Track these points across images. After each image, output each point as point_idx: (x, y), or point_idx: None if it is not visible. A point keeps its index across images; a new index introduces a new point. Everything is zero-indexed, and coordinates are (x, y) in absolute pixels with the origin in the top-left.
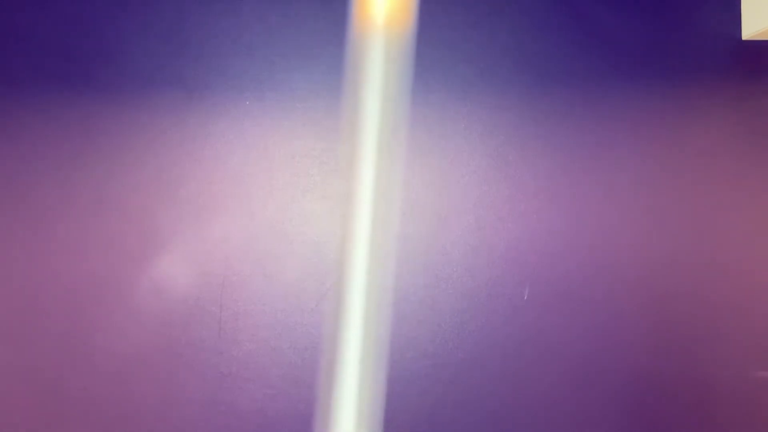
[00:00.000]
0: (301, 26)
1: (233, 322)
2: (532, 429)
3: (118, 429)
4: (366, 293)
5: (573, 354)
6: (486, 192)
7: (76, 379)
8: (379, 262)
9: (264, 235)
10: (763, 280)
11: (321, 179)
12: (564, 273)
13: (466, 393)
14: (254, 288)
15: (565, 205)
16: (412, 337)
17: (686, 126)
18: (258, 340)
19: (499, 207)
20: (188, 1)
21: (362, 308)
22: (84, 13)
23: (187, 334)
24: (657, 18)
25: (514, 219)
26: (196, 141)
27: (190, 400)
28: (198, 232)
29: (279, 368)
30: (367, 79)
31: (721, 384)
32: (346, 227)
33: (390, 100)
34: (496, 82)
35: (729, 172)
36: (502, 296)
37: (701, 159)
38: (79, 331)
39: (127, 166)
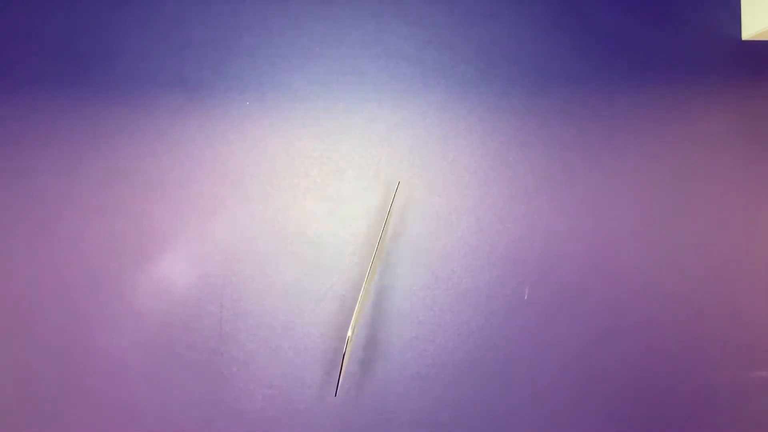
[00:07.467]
0: (301, 26)
1: (233, 322)
2: (532, 429)
3: (118, 429)
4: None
5: (573, 354)
6: (486, 192)
7: (75, 379)
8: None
9: (264, 236)
10: (763, 280)
11: (321, 180)
12: (564, 273)
13: (466, 393)
14: (254, 288)
15: (565, 206)
16: (412, 337)
17: (686, 126)
18: (258, 340)
19: (500, 207)
20: (188, 1)
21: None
22: (84, 13)
23: (187, 335)
24: (657, 18)
25: (515, 219)
26: (196, 142)
27: (190, 400)
28: (198, 232)
29: (279, 368)
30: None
31: (720, 384)
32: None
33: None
34: (497, 82)
35: (729, 172)
36: (502, 297)
37: (701, 159)
38: (79, 331)
39: (127, 167)
